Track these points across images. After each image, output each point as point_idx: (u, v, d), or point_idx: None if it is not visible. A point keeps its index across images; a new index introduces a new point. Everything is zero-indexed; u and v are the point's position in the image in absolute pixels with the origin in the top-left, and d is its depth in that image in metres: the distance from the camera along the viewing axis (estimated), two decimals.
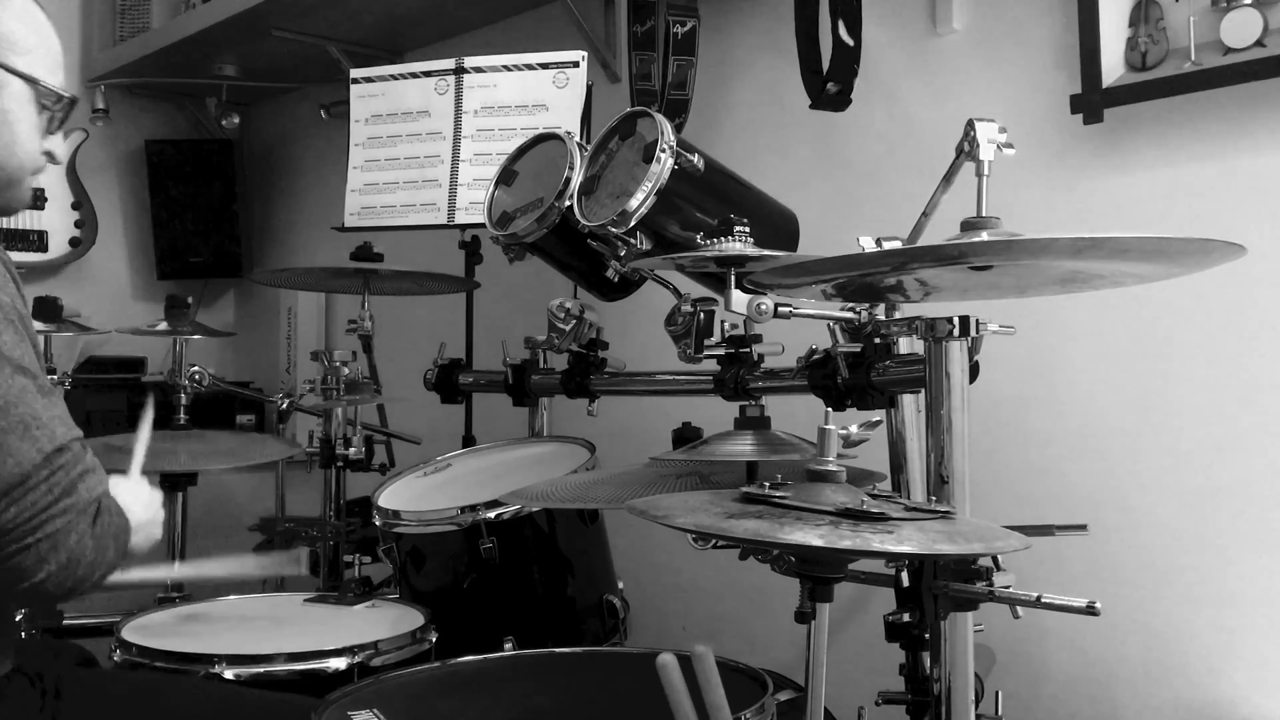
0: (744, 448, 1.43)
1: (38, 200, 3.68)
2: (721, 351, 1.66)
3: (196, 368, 2.40)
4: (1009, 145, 1.29)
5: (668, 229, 1.72)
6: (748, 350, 1.68)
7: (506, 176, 2.07)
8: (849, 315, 1.51)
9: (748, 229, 1.52)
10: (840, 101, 2.26)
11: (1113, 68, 1.95)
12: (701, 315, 1.61)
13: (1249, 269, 1.38)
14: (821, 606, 1.10)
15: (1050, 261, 1.20)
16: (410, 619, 1.91)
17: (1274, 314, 1.82)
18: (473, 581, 1.96)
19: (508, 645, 1.78)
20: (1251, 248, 1.12)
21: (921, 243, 1.43)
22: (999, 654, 1.56)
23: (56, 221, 3.73)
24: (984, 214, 1.25)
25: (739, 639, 2.46)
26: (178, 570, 1.98)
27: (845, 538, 1.00)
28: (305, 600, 2.13)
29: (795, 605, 1.12)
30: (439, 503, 2.01)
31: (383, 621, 1.92)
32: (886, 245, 1.36)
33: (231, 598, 2.13)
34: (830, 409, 1.38)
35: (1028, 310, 1.57)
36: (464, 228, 2.62)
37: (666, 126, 1.72)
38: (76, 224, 3.78)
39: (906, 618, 1.43)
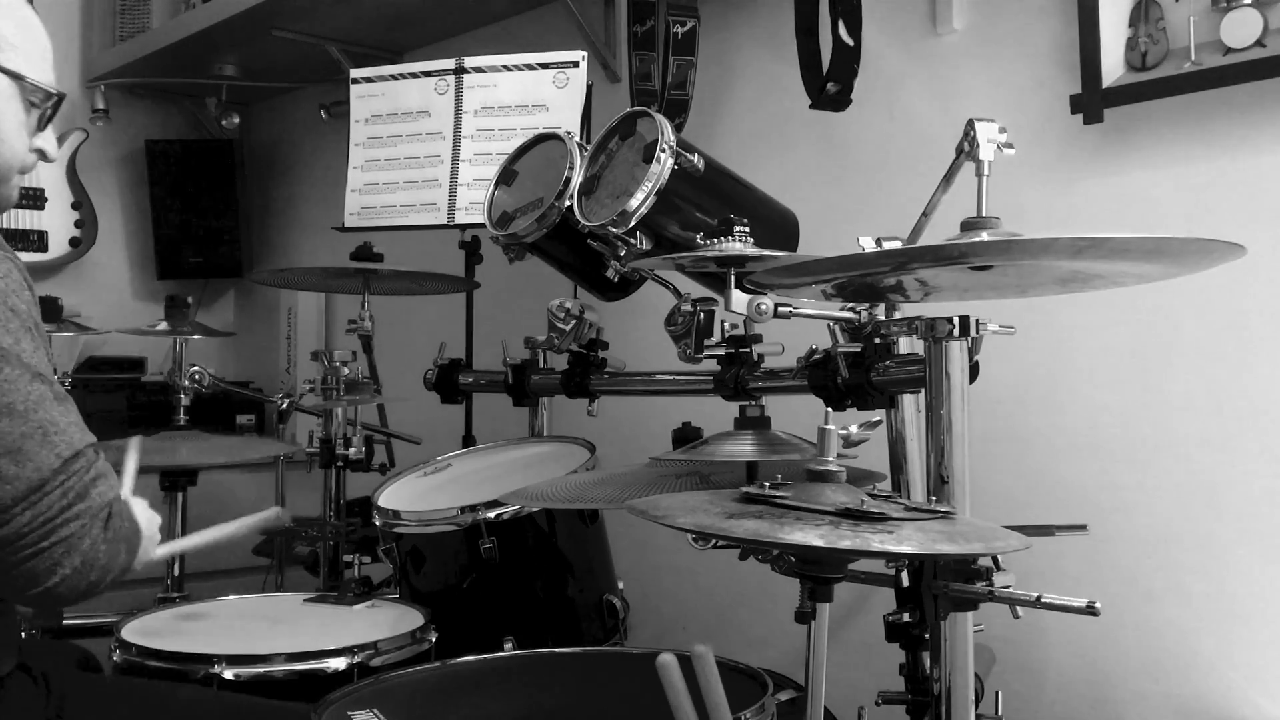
0: (744, 448, 1.43)
1: (38, 200, 3.68)
2: (721, 351, 1.66)
3: (196, 368, 2.40)
4: (1009, 145, 1.29)
5: (668, 229, 1.72)
6: (748, 350, 1.68)
7: (506, 176, 2.07)
8: (849, 315, 1.51)
9: (748, 229, 1.52)
10: (840, 101, 2.26)
11: (1113, 68, 1.95)
12: (701, 315, 1.61)
13: (1249, 269, 1.38)
14: (821, 606, 1.10)
15: (1050, 261, 1.20)
16: (410, 619, 1.91)
17: (1274, 314, 1.82)
18: (473, 581, 1.96)
19: (508, 645, 1.78)
20: (1251, 248, 1.12)
21: (921, 243, 1.43)
22: (999, 654, 1.56)
23: (56, 221, 3.73)
24: (984, 214, 1.25)
25: (739, 639, 2.46)
26: (173, 547, 1.88)
27: (845, 538, 1.00)
28: (305, 600, 2.13)
29: (795, 605, 1.12)
30: (439, 503, 2.01)
31: (383, 621, 1.92)
32: (886, 245, 1.36)
33: (231, 598, 2.14)
34: (830, 409, 1.38)
35: (1028, 310, 1.57)
36: (464, 228, 2.62)
37: (666, 126, 1.72)
38: (76, 224, 3.78)
39: (906, 618, 1.43)
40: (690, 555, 2.19)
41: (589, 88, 2.54)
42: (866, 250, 1.31)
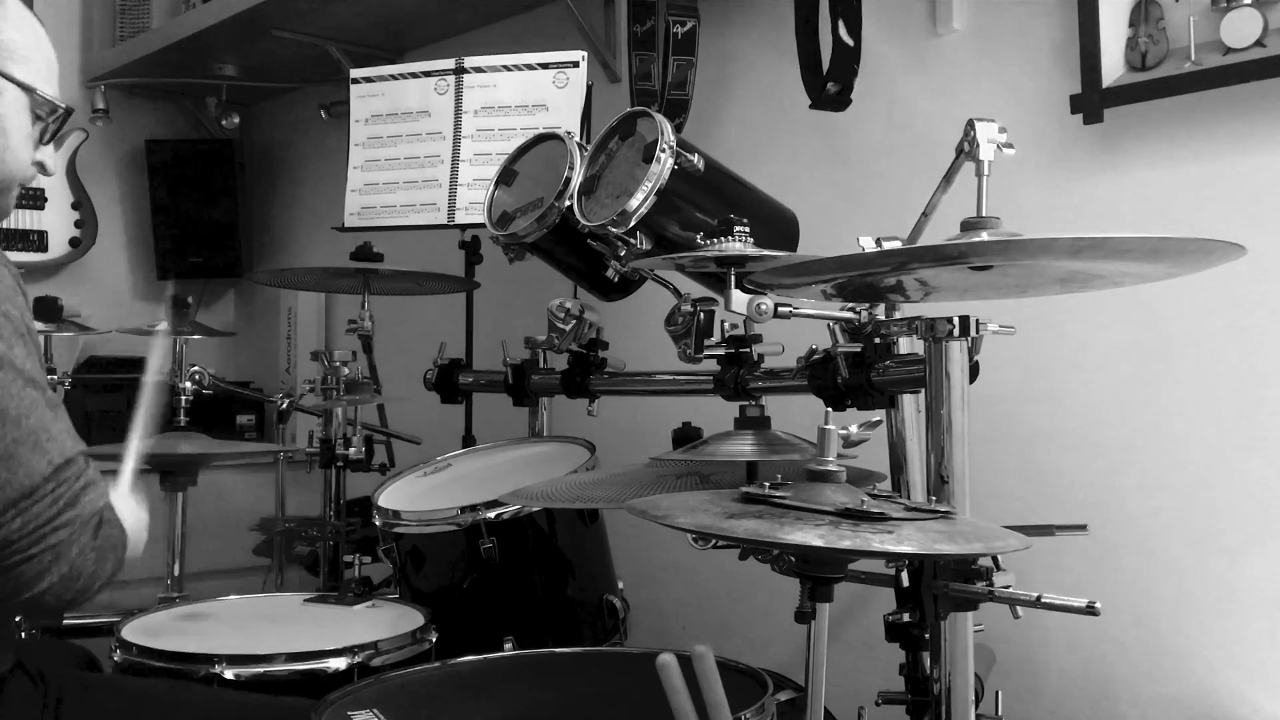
0: (744, 448, 1.43)
1: (38, 200, 3.68)
2: (721, 351, 1.66)
3: (196, 368, 2.40)
4: (1009, 145, 1.29)
5: (668, 229, 1.72)
6: (748, 350, 1.68)
7: (506, 176, 2.07)
8: (849, 315, 1.51)
9: (748, 229, 1.52)
10: (840, 101, 2.26)
11: (1113, 68, 1.95)
12: (701, 315, 1.61)
13: (1249, 269, 1.38)
14: (821, 606, 1.10)
15: (1050, 261, 1.19)
16: (410, 619, 1.91)
17: (1274, 314, 1.82)
18: (473, 581, 1.96)
19: (508, 645, 1.78)
20: (1251, 248, 1.12)
21: (921, 243, 1.43)
22: (999, 654, 1.56)
23: (56, 221, 3.73)
24: (984, 214, 1.25)
25: (739, 639, 2.46)
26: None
27: (845, 538, 1.00)
28: (305, 600, 2.13)
29: (795, 605, 1.12)
30: (439, 503, 2.01)
31: (383, 621, 1.92)
32: (886, 245, 1.36)
33: (231, 598, 2.14)
34: (830, 409, 1.38)
35: (1028, 310, 1.57)
36: (464, 228, 2.62)
37: (666, 126, 1.72)
38: (76, 224, 3.78)
39: (906, 618, 1.43)
40: (690, 555, 2.19)
41: (589, 88, 2.54)
42: (866, 250, 1.30)
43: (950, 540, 1.05)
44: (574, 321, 2.03)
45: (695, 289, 1.72)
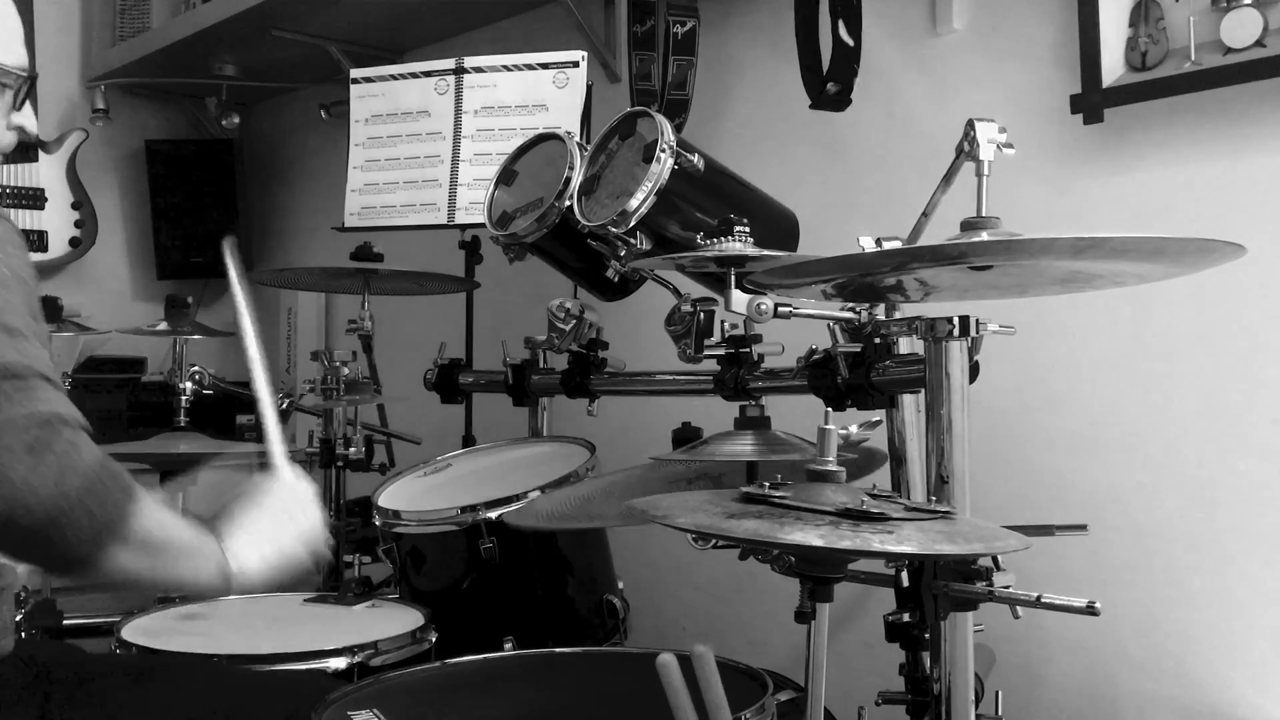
0: (744, 448, 1.43)
1: (38, 200, 3.68)
2: (721, 351, 1.66)
3: (197, 368, 2.40)
4: (1009, 145, 1.29)
5: (668, 229, 1.72)
6: (748, 350, 1.68)
7: (506, 176, 2.07)
8: (849, 315, 1.51)
9: (748, 229, 1.52)
10: (840, 101, 2.26)
11: (1113, 68, 1.95)
12: (701, 315, 1.61)
13: (1249, 269, 1.38)
14: (821, 606, 1.10)
15: (1050, 261, 1.20)
16: (410, 619, 1.91)
17: (1274, 314, 1.82)
18: (473, 581, 1.97)
19: (508, 645, 1.78)
20: (1252, 248, 1.12)
21: (921, 243, 1.43)
22: (999, 654, 1.56)
23: (56, 221, 3.73)
24: (984, 214, 1.25)
25: (739, 639, 2.46)
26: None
27: (845, 538, 1.00)
28: (305, 600, 2.13)
29: (795, 605, 1.12)
30: (439, 503, 2.01)
31: (383, 621, 1.92)
32: (886, 245, 1.36)
33: (232, 598, 2.13)
34: (830, 409, 1.38)
35: (1028, 310, 1.57)
36: (464, 228, 2.62)
37: (666, 126, 1.72)
38: (76, 224, 3.78)
39: (906, 618, 1.43)
40: (690, 555, 2.19)
41: (589, 88, 2.54)
42: (866, 250, 1.30)
43: (950, 540, 1.05)
44: (574, 321, 2.03)
45: (695, 289, 1.72)
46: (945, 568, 1.25)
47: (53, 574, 1.77)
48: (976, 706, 1.32)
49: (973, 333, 1.32)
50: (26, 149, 3.57)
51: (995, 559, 1.24)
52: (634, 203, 1.69)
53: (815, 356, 1.60)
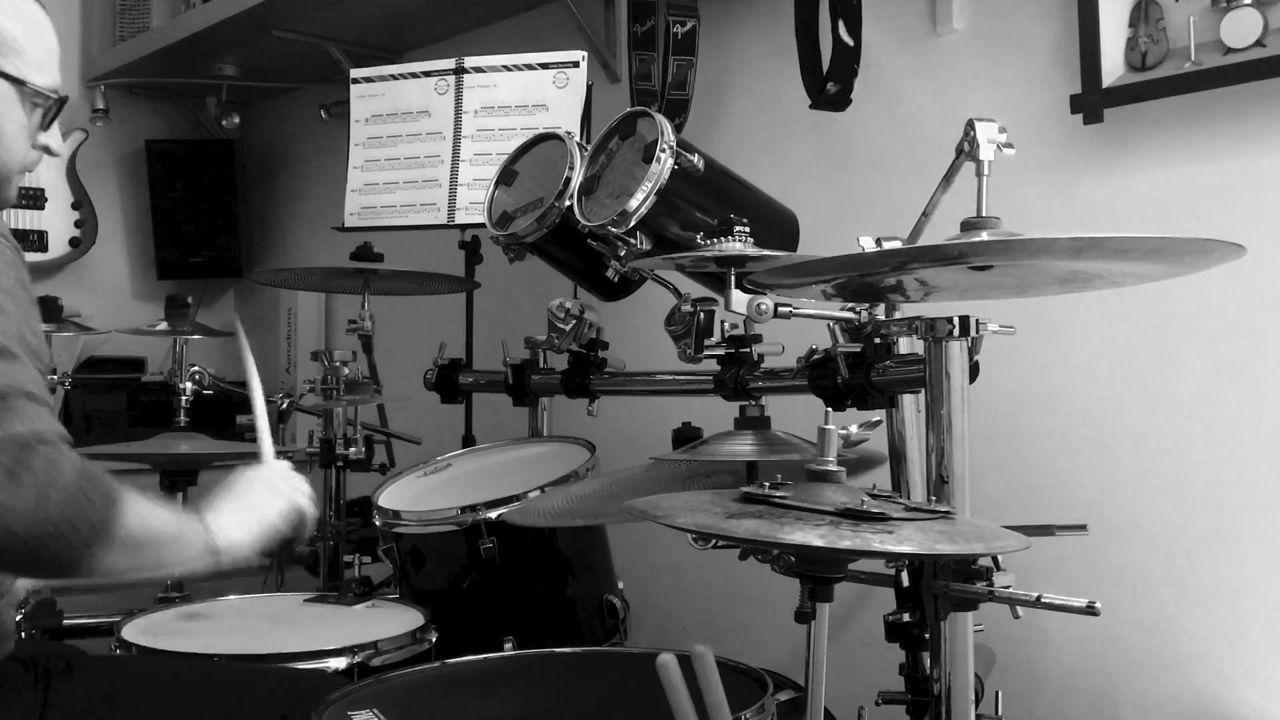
0: (744, 448, 1.43)
1: (38, 200, 3.68)
2: (721, 351, 1.66)
3: (197, 368, 2.40)
4: (1009, 145, 1.29)
5: (668, 229, 1.72)
6: (748, 350, 1.68)
7: (506, 176, 2.07)
8: (849, 315, 1.51)
9: (748, 229, 1.52)
10: (840, 101, 2.26)
11: (1113, 68, 1.95)
12: (701, 315, 1.61)
13: (1249, 269, 1.38)
14: (821, 606, 1.10)
15: (1050, 261, 1.20)
16: (410, 619, 1.90)
17: (1274, 314, 1.82)
18: (473, 581, 1.96)
19: (508, 645, 1.78)
20: (1251, 248, 1.12)
21: (921, 243, 1.43)
22: (999, 654, 1.56)
23: (56, 221, 3.73)
24: (984, 214, 1.25)
25: (739, 639, 2.46)
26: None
27: (845, 538, 1.00)
28: (305, 600, 2.13)
29: (795, 605, 1.12)
30: (439, 503, 2.01)
31: (383, 621, 1.92)
32: (886, 245, 1.36)
33: (231, 598, 2.13)
34: (830, 409, 1.38)
35: (1028, 310, 1.57)
36: (464, 228, 2.62)
37: (666, 126, 1.72)
38: (76, 224, 3.78)
39: (906, 618, 1.43)
40: (690, 555, 2.19)
41: (589, 88, 2.54)
42: (866, 250, 1.30)
43: (950, 540, 1.05)
44: (574, 321, 2.03)
45: (695, 289, 1.72)
46: (945, 568, 1.25)
47: (44, 580, 1.81)
48: (976, 706, 1.32)
49: (973, 333, 1.32)
50: None
51: (995, 559, 1.24)
52: (634, 203, 1.69)
53: (815, 356, 1.60)
